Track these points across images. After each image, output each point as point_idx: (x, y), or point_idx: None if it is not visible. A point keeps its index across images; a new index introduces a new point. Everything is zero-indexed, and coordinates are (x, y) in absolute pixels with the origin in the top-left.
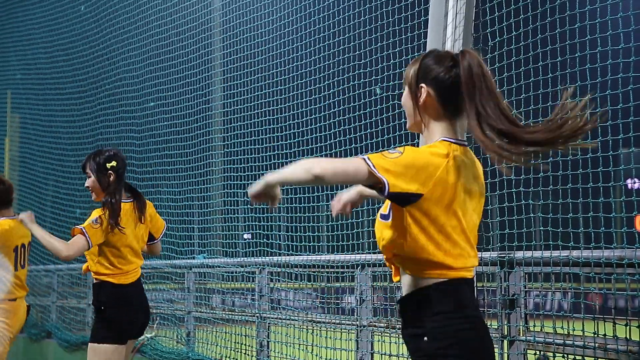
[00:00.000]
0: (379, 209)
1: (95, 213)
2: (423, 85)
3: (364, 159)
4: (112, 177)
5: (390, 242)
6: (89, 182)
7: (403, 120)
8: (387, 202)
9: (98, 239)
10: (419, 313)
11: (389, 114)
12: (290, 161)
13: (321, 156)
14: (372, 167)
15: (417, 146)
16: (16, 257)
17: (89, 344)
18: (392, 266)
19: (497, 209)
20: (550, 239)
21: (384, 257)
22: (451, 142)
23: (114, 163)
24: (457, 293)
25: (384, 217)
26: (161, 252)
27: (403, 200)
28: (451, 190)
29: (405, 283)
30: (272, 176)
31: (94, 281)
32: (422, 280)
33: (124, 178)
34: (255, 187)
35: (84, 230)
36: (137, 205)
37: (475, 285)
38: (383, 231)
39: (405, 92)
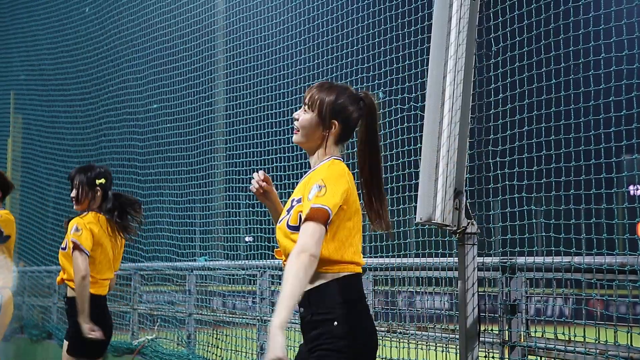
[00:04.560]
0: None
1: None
2: (335, 121)
3: (323, 209)
4: (98, 193)
5: None
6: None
7: (406, 124)
8: (296, 215)
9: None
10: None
11: (392, 118)
12: (292, 164)
13: None
14: (330, 211)
15: None
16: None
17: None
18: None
19: (499, 214)
20: (552, 245)
21: (283, 260)
22: (340, 160)
23: (102, 180)
24: (358, 284)
25: (294, 228)
26: (163, 254)
27: None
28: (353, 197)
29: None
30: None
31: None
32: (323, 275)
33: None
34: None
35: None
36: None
37: (477, 290)
38: (291, 238)
39: (313, 117)
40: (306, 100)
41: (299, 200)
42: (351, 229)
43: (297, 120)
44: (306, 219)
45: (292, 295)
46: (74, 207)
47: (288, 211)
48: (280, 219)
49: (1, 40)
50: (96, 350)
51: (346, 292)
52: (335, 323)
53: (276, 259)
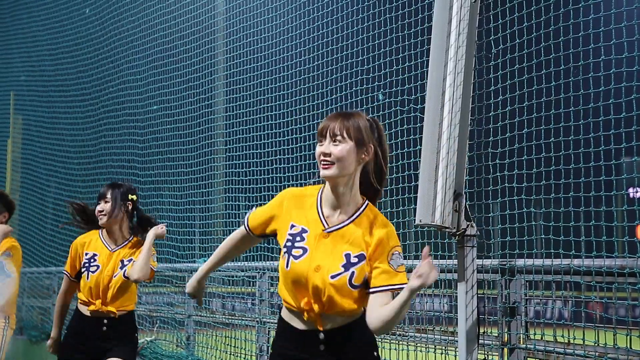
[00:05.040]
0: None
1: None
2: (372, 145)
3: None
4: (130, 207)
5: (361, 302)
6: (104, 207)
7: (406, 126)
8: (362, 275)
9: None
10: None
11: (392, 119)
12: (292, 166)
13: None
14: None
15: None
16: None
17: None
18: (318, 317)
19: (498, 216)
20: (551, 247)
21: (323, 310)
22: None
23: (134, 196)
24: None
25: (357, 287)
26: (162, 255)
27: None
28: None
29: (336, 321)
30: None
31: (123, 312)
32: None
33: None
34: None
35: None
36: None
37: (476, 292)
38: (352, 295)
39: (351, 145)
40: (335, 132)
41: (360, 257)
42: None
43: (329, 154)
44: (391, 290)
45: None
46: (101, 222)
47: (346, 267)
48: (333, 274)
49: (2, 40)
50: None
51: None
52: (375, 354)
53: (272, 260)
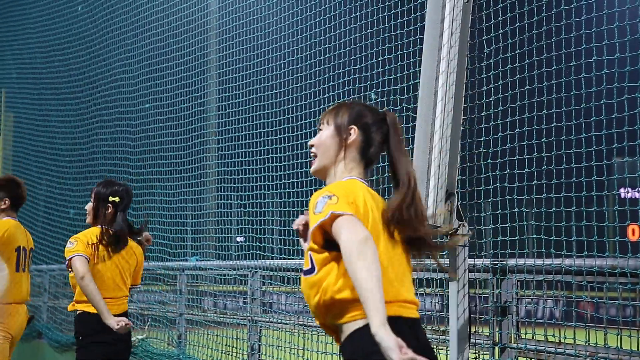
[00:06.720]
0: None
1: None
2: (354, 127)
3: (339, 214)
4: (109, 209)
5: (328, 294)
6: (88, 206)
7: None
8: (306, 257)
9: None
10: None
11: None
12: (284, 165)
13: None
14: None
15: None
16: (17, 257)
17: None
18: (330, 331)
19: (490, 216)
20: (542, 247)
21: (318, 322)
22: (364, 182)
23: (117, 198)
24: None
25: (308, 272)
26: (154, 254)
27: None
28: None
29: (339, 332)
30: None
31: (75, 310)
32: (351, 324)
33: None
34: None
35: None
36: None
37: (468, 291)
38: (313, 287)
39: (329, 130)
40: (321, 122)
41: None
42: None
43: (312, 145)
44: (330, 223)
45: (373, 289)
46: (87, 221)
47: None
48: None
49: None
50: None
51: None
52: None
53: (264, 259)
